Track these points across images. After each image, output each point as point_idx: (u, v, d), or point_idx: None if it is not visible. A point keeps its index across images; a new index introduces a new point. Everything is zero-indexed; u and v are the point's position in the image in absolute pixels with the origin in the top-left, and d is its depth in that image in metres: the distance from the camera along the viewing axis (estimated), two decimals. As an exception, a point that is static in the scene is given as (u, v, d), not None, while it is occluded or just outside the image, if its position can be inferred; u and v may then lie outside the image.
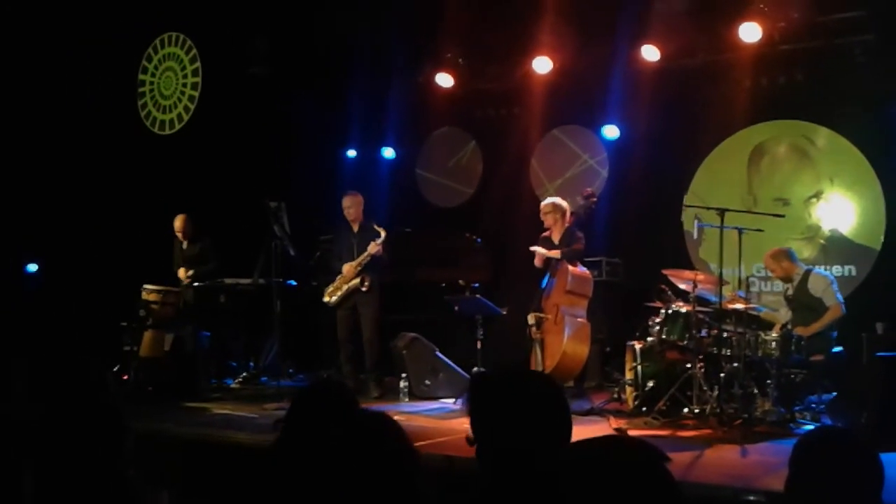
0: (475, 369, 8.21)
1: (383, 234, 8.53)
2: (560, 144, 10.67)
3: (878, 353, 6.40)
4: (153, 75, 11.29)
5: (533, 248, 8.06)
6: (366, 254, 8.53)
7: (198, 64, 10.89)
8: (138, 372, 8.51)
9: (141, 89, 11.36)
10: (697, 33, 8.99)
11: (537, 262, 8.05)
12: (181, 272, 9.31)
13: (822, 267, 8.55)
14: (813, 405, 6.92)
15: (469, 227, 10.17)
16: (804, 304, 7.38)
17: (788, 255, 7.59)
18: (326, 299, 8.73)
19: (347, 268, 8.62)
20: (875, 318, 7.54)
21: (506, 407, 2.35)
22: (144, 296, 8.79)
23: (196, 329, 8.96)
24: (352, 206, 8.74)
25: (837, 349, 7.17)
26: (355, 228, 8.76)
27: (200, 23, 10.65)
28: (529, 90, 10.09)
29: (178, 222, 9.42)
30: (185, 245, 9.45)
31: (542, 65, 9.50)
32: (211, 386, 9.09)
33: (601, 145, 10.35)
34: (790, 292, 7.58)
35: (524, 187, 10.63)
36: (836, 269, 8.79)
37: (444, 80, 10.11)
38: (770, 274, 8.02)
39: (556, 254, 7.90)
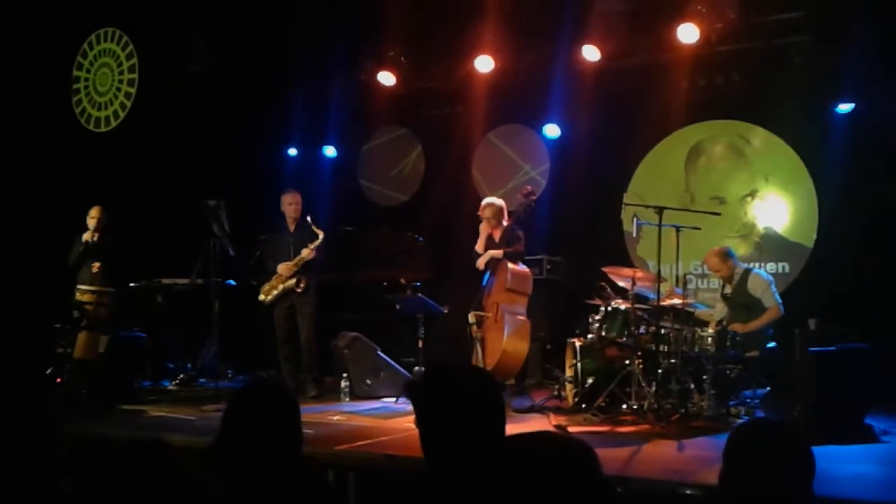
0: (417, 368, 8.21)
1: (321, 235, 8.48)
2: (500, 153, 10.68)
3: (811, 349, 6.53)
4: (88, 71, 11.05)
5: (487, 254, 8.00)
6: (299, 257, 8.48)
7: (134, 60, 10.70)
8: (72, 374, 8.30)
9: (76, 86, 11.12)
10: (636, 34, 9.10)
11: (479, 265, 8.06)
12: (96, 266, 8.75)
13: (757, 264, 8.72)
14: (748, 400, 7.03)
15: (411, 226, 10.14)
16: (742, 302, 7.50)
17: (731, 254, 7.71)
18: (262, 297, 8.67)
19: (283, 267, 8.57)
20: (807, 314, 7.71)
21: (443, 402, 2.38)
22: (78, 296, 8.58)
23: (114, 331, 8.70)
24: (293, 202, 8.69)
25: (771, 345, 7.31)
26: (292, 228, 8.70)
27: (137, 18, 10.45)
28: (472, 89, 10.10)
29: (97, 211, 8.90)
30: (94, 237, 8.83)
31: (485, 64, 9.53)
32: (147, 388, 8.93)
33: (544, 153, 10.37)
34: (727, 290, 7.69)
35: (466, 186, 10.65)
36: (771, 266, 8.98)
37: (387, 78, 10.08)
38: (712, 273, 8.11)
39: (498, 253, 7.92)
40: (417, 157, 11.20)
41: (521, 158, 10.56)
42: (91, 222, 8.85)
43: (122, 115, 10.68)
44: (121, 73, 10.76)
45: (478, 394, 2.39)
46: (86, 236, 8.78)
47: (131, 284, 9.37)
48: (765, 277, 7.60)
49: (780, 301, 7.42)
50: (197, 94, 10.28)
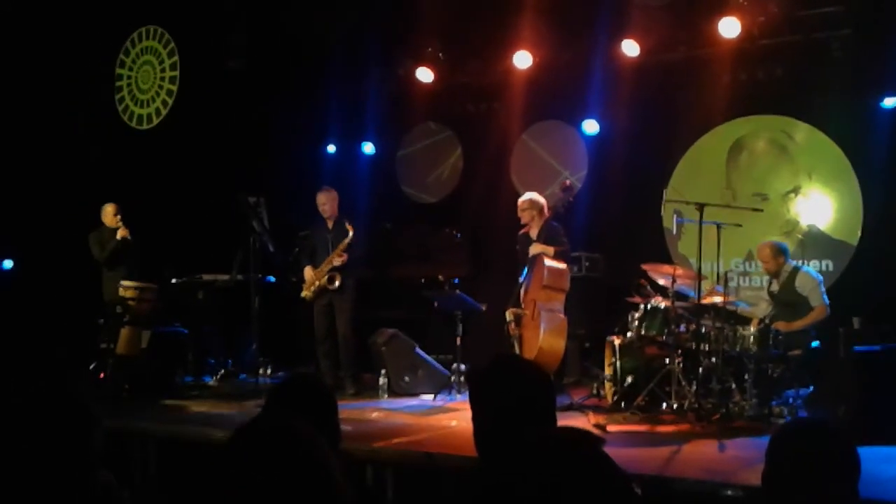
0: (455, 365, 8.20)
1: (351, 233, 8.47)
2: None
3: (855, 348, 6.42)
4: (131, 69, 11.18)
5: (537, 247, 7.92)
6: (327, 262, 8.49)
7: (176, 58, 10.79)
8: (115, 370, 8.42)
9: (118, 83, 11.25)
10: (677, 28, 9.01)
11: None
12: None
13: (801, 262, 8.59)
14: (790, 400, 6.93)
15: (449, 222, 10.14)
16: (789, 301, 7.41)
17: (784, 251, 7.60)
18: (303, 294, 8.70)
19: (308, 272, 8.62)
20: (852, 312, 7.56)
21: (504, 392, 2.43)
22: (121, 292, 8.69)
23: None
24: (326, 202, 8.68)
25: (815, 344, 7.20)
26: (330, 225, 8.71)
27: (178, 16, 10.55)
28: (510, 85, 10.06)
29: (117, 208, 9.06)
30: (128, 238, 8.95)
31: (523, 60, 9.48)
32: (188, 383, 9.03)
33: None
34: (775, 288, 7.59)
35: (504, 182, 10.61)
36: (814, 264, 8.83)
37: (424, 74, 10.07)
38: (760, 264, 8.00)
39: (549, 250, 7.83)
40: (457, 160, 11.14)
41: (560, 163, 10.43)
42: (117, 220, 8.98)
43: (163, 112, 10.78)
44: (162, 70, 10.88)
45: (537, 389, 2.41)
46: (122, 233, 8.89)
47: (173, 280, 9.47)
48: (814, 276, 7.48)
49: (828, 301, 7.31)
50: (236, 91, 10.36)
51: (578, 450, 1.59)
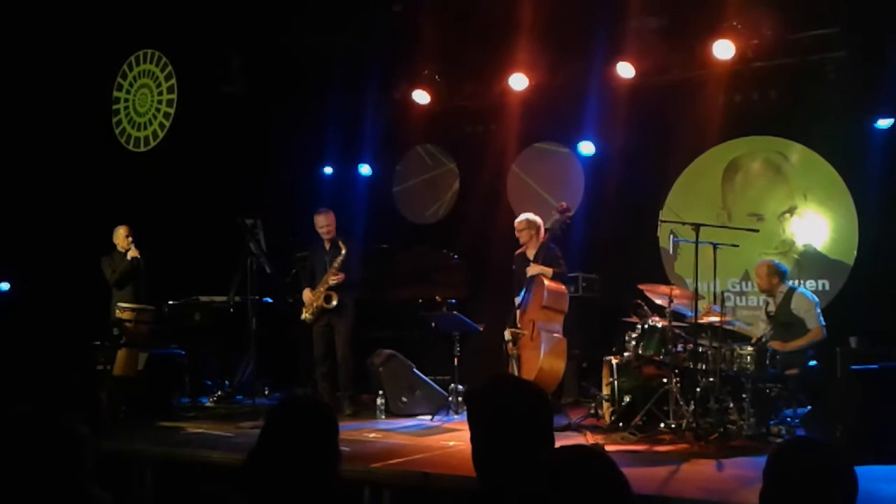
0: (452, 385, 8.20)
1: (343, 250, 8.48)
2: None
3: (853, 367, 6.43)
4: (128, 92, 11.23)
5: (536, 268, 7.92)
6: (324, 282, 8.50)
7: (173, 81, 10.85)
8: (112, 391, 8.39)
9: (116, 106, 11.31)
10: (671, 51, 9.07)
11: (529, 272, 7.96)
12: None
13: (797, 282, 8.61)
14: (788, 419, 6.94)
15: (446, 244, 10.15)
16: (785, 321, 7.42)
17: (780, 272, 7.60)
18: (303, 316, 8.69)
19: (307, 295, 8.61)
20: (849, 332, 7.58)
21: (502, 413, 2.42)
22: (118, 314, 8.69)
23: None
24: (327, 224, 8.70)
25: (812, 363, 7.21)
26: (328, 246, 8.72)
27: (176, 40, 10.61)
28: (506, 107, 10.13)
29: (129, 230, 9.04)
30: (138, 258, 8.93)
31: (519, 82, 9.54)
32: (185, 405, 9.00)
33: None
34: (771, 308, 7.61)
35: (501, 203, 10.63)
36: (810, 284, 8.86)
37: (421, 96, 10.13)
38: (756, 284, 8.00)
39: (548, 271, 7.84)
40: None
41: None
42: (128, 241, 8.95)
43: (160, 134, 10.83)
44: (160, 93, 10.93)
45: (535, 409, 2.41)
46: (132, 253, 8.87)
47: (170, 302, 9.46)
48: (810, 298, 7.49)
49: (824, 323, 7.32)
50: (234, 113, 10.40)
51: (587, 466, 1.59)
